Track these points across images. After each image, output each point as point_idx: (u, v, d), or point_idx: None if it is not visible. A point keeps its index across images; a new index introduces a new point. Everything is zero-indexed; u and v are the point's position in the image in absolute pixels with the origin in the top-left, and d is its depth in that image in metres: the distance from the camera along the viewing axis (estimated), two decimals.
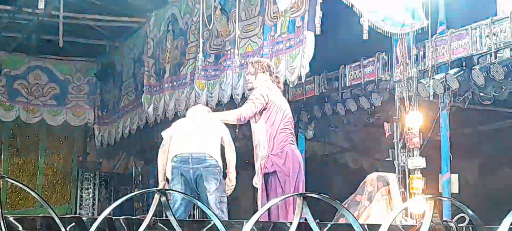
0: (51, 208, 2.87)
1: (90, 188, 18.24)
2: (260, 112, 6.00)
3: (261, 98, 5.99)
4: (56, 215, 2.90)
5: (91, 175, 18.35)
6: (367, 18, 7.81)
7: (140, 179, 17.33)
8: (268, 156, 5.95)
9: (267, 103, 5.97)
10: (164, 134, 6.37)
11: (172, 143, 6.10)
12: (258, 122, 6.05)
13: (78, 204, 18.08)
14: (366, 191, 7.50)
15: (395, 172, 9.68)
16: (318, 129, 12.72)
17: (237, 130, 11.71)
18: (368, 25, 7.90)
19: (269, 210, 5.62)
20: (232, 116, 6.08)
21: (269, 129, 5.96)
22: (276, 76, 6.33)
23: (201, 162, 5.90)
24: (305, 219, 3.48)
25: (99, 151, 17.80)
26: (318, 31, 8.24)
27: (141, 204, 16.23)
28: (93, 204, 18.09)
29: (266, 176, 6.04)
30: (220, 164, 6.05)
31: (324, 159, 15.15)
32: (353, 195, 7.74)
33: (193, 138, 5.99)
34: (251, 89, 6.25)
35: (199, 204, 3.03)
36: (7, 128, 17.68)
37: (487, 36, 8.72)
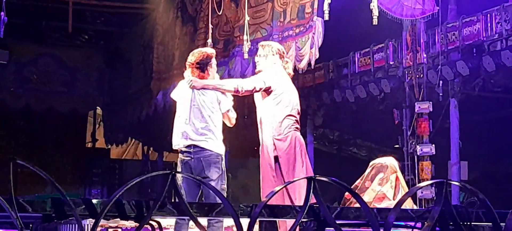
0: (61, 191, 2.87)
1: (99, 174, 18.31)
2: (267, 92, 5.93)
3: (262, 79, 5.93)
4: (65, 197, 2.91)
5: (100, 162, 18.43)
6: (377, 3, 7.76)
7: (149, 165, 17.39)
8: (272, 140, 5.91)
9: (269, 87, 5.91)
10: (173, 96, 6.29)
11: (175, 123, 6.05)
12: (263, 104, 6.01)
13: (86, 190, 18.16)
14: (376, 176, 7.50)
15: (404, 159, 9.68)
16: (327, 115, 12.70)
17: (246, 117, 11.73)
18: (378, 11, 7.86)
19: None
20: (230, 85, 5.98)
21: (274, 113, 5.92)
22: (287, 61, 6.27)
23: (202, 150, 5.88)
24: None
25: (108, 138, 17.85)
26: (327, 17, 8.21)
27: (150, 190, 16.28)
28: (102, 190, 18.16)
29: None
30: (222, 150, 6.02)
31: (333, 146, 15.15)
32: (361, 180, 7.74)
33: (194, 123, 5.92)
34: (259, 71, 6.21)
35: (209, 186, 3.04)
36: (17, 115, 17.74)
37: (498, 22, 8.67)
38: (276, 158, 5.91)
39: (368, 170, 7.82)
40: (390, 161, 7.82)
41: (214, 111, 5.94)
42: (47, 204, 3.02)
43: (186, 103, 5.96)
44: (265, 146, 5.97)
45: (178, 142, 5.95)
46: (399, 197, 6.98)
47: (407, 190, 7.39)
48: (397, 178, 7.61)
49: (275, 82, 5.93)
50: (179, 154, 5.96)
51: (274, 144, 5.90)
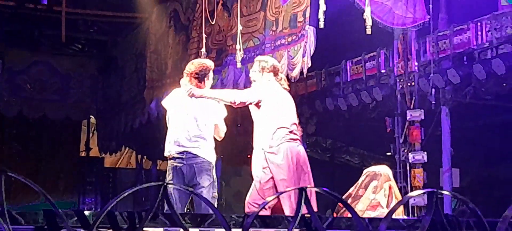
0: (52, 203, 2.89)
1: (92, 182, 18.29)
2: (258, 105, 5.94)
3: (254, 92, 5.96)
4: (57, 209, 2.92)
5: (94, 170, 18.40)
6: (370, 13, 7.81)
7: (143, 173, 17.38)
8: (264, 153, 5.88)
9: (260, 101, 5.91)
10: (164, 104, 6.33)
11: (168, 131, 6.08)
12: (256, 117, 6.02)
13: (80, 199, 18.13)
14: (370, 184, 7.51)
15: (396, 167, 9.72)
16: (319, 123, 12.74)
17: (239, 125, 11.76)
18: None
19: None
20: (227, 96, 6.00)
21: (265, 125, 5.90)
22: (281, 78, 6.26)
23: (195, 157, 5.90)
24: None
25: (101, 146, 17.83)
26: (322, 25, 8.25)
27: (144, 199, 16.27)
28: (96, 198, 18.13)
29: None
30: (213, 159, 6.03)
31: (325, 153, 15.18)
32: (355, 188, 7.76)
33: (188, 130, 5.94)
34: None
35: (201, 197, 3.05)
36: (10, 122, 17.73)
37: (489, 31, 8.73)
38: (267, 169, 5.87)
39: (362, 178, 7.83)
40: (384, 169, 7.85)
41: (208, 121, 5.98)
42: (39, 216, 3.03)
43: (181, 111, 6.00)
44: (254, 157, 5.97)
45: (170, 148, 5.98)
46: (392, 205, 7.01)
47: (400, 198, 7.41)
48: (390, 186, 7.64)
49: (266, 95, 5.94)
50: (170, 161, 5.98)
51: (265, 158, 5.88)
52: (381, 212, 7.11)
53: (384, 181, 7.63)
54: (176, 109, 6.06)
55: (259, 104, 5.92)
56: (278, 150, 5.85)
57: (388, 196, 7.52)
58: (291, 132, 5.94)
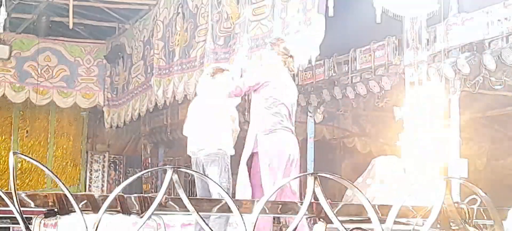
0: (64, 185, 2.87)
1: (99, 170, 18.33)
2: (257, 90, 5.93)
3: (252, 78, 5.99)
4: (69, 191, 2.90)
5: (101, 157, 18.44)
6: (379, 1, 7.76)
7: (150, 161, 17.40)
8: (256, 135, 5.85)
9: (257, 84, 5.88)
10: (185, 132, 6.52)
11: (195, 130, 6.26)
12: (254, 98, 6.01)
13: (87, 186, 18.17)
14: (377, 173, 7.51)
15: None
16: (327, 112, 12.70)
17: (247, 114, 11.73)
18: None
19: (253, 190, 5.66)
20: (228, 92, 6.06)
21: (261, 108, 5.87)
22: (287, 58, 6.20)
23: (204, 150, 6.03)
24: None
25: (108, 133, 17.86)
26: (331, 13, 8.19)
27: (150, 186, 16.29)
28: (103, 186, 18.17)
29: (252, 155, 5.93)
30: (226, 151, 6.10)
31: (333, 143, 15.15)
32: (362, 178, 7.75)
33: (204, 136, 6.11)
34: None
35: (212, 181, 3.03)
36: (17, 109, 17.76)
37: (499, 20, 8.66)
38: (257, 153, 5.85)
39: (369, 168, 7.83)
40: (393, 160, 7.84)
41: (230, 115, 6.13)
42: (49, 199, 3.02)
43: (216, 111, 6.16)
44: (248, 141, 5.95)
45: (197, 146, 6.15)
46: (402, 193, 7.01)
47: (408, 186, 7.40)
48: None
49: (264, 80, 5.90)
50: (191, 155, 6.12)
51: (257, 139, 5.84)
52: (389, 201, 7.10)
53: (394, 171, 7.62)
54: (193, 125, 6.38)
55: (257, 88, 5.96)
56: (269, 134, 5.81)
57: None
58: (285, 118, 5.90)
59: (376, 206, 3.75)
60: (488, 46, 9.00)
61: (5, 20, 12.14)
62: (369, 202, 3.46)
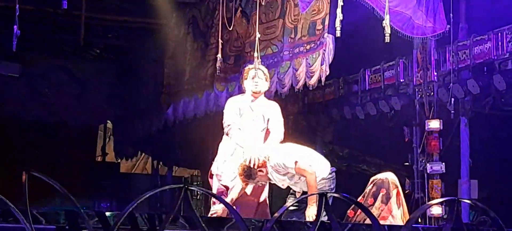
0: (75, 203, 2.89)
1: (108, 188, 18.32)
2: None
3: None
4: (79, 209, 2.93)
5: (109, 175, 18.44)
6: (389, 22, 7.78)
7: (159, 179, 17.41)
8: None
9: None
10: None
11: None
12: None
13: (96, 204, 18.15)
14: (379, 193, 7.45)
15: (414, 177, 9.67)
16: (337, 132, 12.69)
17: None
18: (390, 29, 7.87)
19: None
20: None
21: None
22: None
23: None
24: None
25: (117, 151, 17.88)
26: (338, 34, 8.25)
27: (159, 205, 16.28)
28: (111, 204, 18.16)
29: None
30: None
31: (342, 162, 15.10)
32: (362, 197, 7.69)
33: None
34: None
35: (222, 201, 3.05)
36: (28, 127, 17.81)
37: (509, 41, 8.67)
38: None
39: (369, 187, 7.77)
40: (390, 176, 7.78)
41: None
42: (61, 216, 3.04)
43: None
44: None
45: None
46: (400, 212, 7.00)
47: (405, 204, 7.36)
48: (398, 193, 7.58)
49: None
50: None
51: None
52: (391, 221, 7.07)
53: (392, 188, 7.58)
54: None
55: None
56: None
57: (396, 203, 7.46)
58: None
59: (386, 227, 3.75)
60: (498, 67, 9.01)
61: (17, 38, 12.22)
62: (378, 222, 3.47)
